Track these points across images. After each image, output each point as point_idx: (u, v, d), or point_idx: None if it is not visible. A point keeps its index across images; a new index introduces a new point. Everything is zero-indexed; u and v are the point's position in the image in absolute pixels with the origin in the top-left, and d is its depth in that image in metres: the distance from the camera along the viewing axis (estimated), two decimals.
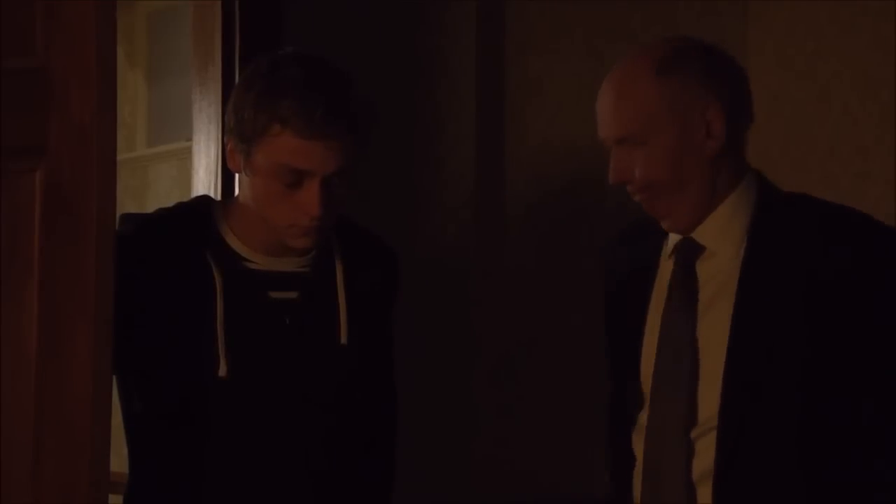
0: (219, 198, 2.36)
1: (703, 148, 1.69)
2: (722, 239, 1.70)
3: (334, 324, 1.72)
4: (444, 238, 2.52)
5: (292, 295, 1.72)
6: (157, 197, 4.34)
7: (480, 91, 2.52)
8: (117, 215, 1.50)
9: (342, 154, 1.63)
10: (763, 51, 2.63)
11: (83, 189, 1.44)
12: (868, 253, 1.63)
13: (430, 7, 2.53)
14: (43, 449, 1.42)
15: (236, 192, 2.35)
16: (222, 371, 1.65)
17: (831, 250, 1.63)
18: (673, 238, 1.75)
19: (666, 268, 1.75)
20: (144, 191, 4.41)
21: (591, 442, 2.55)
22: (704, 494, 1.64)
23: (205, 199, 1.81)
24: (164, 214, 1.77)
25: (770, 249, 1.67)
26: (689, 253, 1.72)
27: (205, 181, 2.44)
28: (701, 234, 1.72)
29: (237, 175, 1.73)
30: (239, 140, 1.66)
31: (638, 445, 1.72)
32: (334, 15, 2.45)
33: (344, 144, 1.63)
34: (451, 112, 2.52)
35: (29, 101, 1.48)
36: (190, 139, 2.54)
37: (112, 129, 1.45)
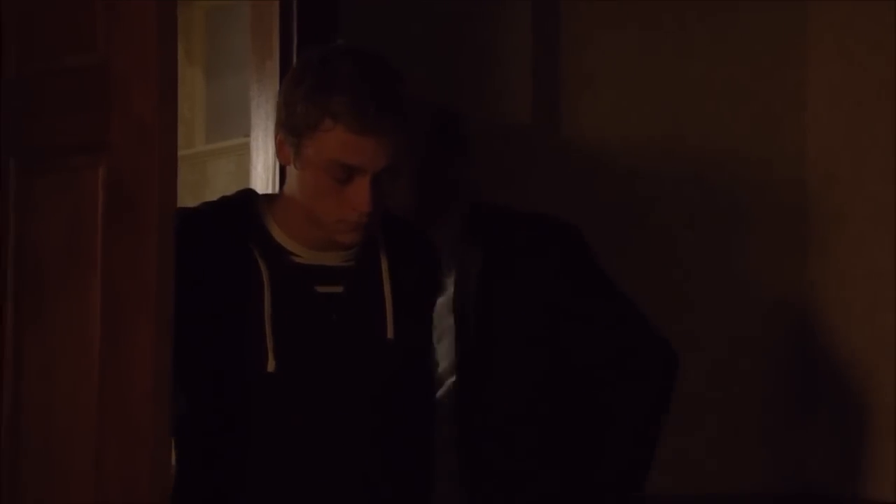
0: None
1: None
2: None
3: (380, 318, 1.72)
4: None
5: (338, 289, 1.71)
6: (216, 193, 4.35)
7: (535, 85, 2.51)
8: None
9: (392, 150, 1.62)
10: (823, 43, 2.59)
11: (145, 185, 1.45)
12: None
13: (485, 0, 2.53)
14: (105, 443, 1.44)
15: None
16: (271, 366, 1.65)
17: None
18: None
19: None
20: (203, 186, 4.45)
21: None
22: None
23: (249, 193, 1.80)
24: (208, 208, 1.76)
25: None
26: None
27: (263, 177, 2.46)
28: None
29: (287, 168, 1.73)
30: (289, 133, 1.65)
31: None
32: (389, 10, 2.46)
33: (394, 140, 1.62)
34: (507, 105, 2.51)
35: (90, 99, 1.49)
36: (248, 135, 2.55)
37: (173, 125, 1.46)
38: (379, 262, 1.73)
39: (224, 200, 1.77)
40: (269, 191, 2.36)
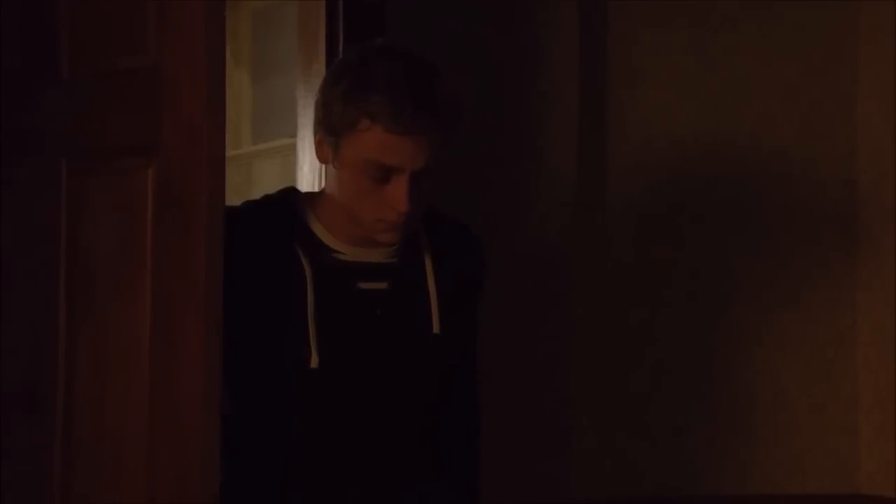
0: None
1: None
2: None
3: (425, 313, 1.72)
4: (545, 234, 2.51)
5: (382, 285, 1.71)
6: (262, 193, 4.40)
7: (582, 83, 2.50)
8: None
9: (430, 149, 1.62)
10: (874, 40, 2.56)
11: (193, 186, 1.46)
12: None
13: (532, 0, 2.52)
14: (156, 441, 1.45)
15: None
16: (314, 362, 1.65)
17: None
18: None
19: None
20: (249, 187, 4.48)
21: (692, 438, 2.52)
22: None
23: (291, 191, 1.81)
24: (251, 206, 1.77)
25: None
26: None
27: (308, 177, 2.47)
28: None
29: (326, 168, 1.73)
30: (327, 133, 1.65)
31: None
32: (436, 10, 2.46)
33: (432, 140, 1.61)
34: (553, 106, 2.50)
35: (141, 101, 1.51)
36: (294, 136, 2.57)
37: (221, 126, 1.48)
38: (422, 257, 1.73)
39: (266, 199, 1.78)
40: (317, 190, 2.37)
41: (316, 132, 1.68)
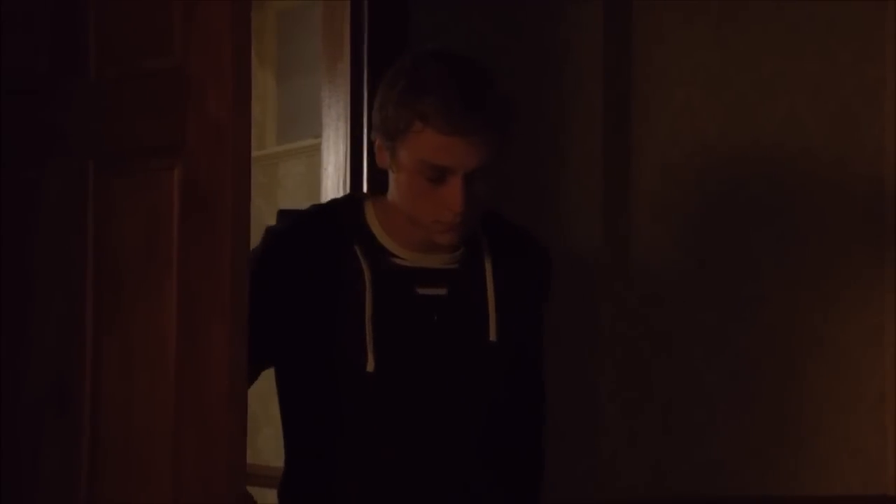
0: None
1: None
2: None
3: (483, 321, 1.73)
4: (569, 234, 2.50)
5: (441, 291, 1.72)
6: (287, 194, 4.41)
7: (607, 83, 2.49)
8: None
9: (483, 149, 1.63)
10: None
11: (219, 186, 1.47)
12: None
13: None
14: (183, 441, 1.45)
15: (364, 189, 2.39)
16: (370, 366, 1.67)
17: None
18: None
19: None
20: (274, 188, 4.48)
21: (718, 439, 2.51)
22: None
23: (357, 196, 1.83)
24: (317, 210, 1.81)
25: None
26: None
27: (333, 178, 2.47)
28: None
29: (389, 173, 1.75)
30: (384, 137, 1.68)
31: None
32: (460, 11, 2.46)
33: (484, 140, 1.63)
34: (577, 105, 2.49)
35: (167, 102, 1.51)
36: (318, 136, 2.57)
37: (247, 127, 1.48)
38: (483, 264, 1.74)
39: (333, 203, 1.83)
40: (340, 191, 2.38)
41: (375, 138, 1.71)
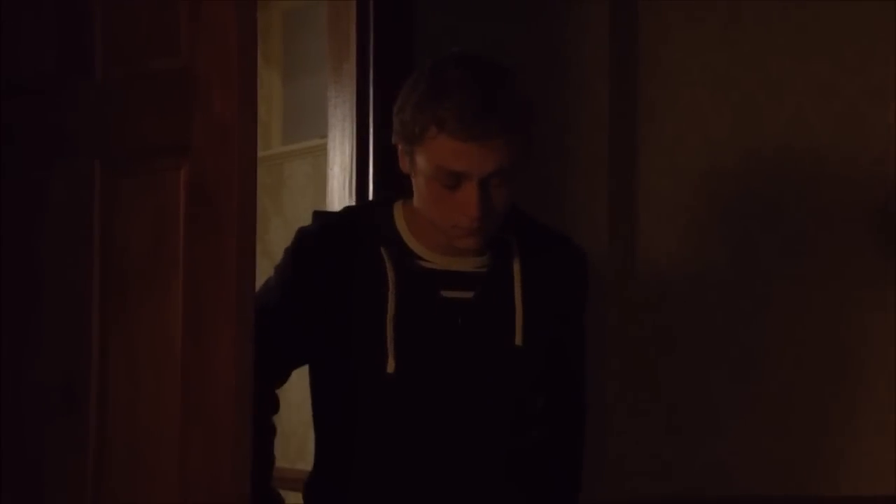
0: (352, 195, 2.38)
1: None
2: None
3: (509, 325, 1.71)
4: (576, 234, 2.50)
5: (467, 295, 1.71)
6: (292, 194, 4.41)
7: (613, 83, 2.49)
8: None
9: (499, 154, 1.62)
10: None
11: (225, 186, 1.47)
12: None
13: None
14: (189, 441, 1.45)
15: (370, 190, 2.39)
16: (390, 367, 1.66)
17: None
18: None
19: None
20: (280, 188, 4.48)
21: (725, 439, 2.50)
22: None
23: (388, 198, 1.83)
24: (350, 212, 1.82)
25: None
26: None
27: (339, 178, 2.47)
28: None
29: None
30: (404, 142, 1.68)
31: None
32: (465, 10, 2.46)
33: (500, 145, 1.61)
34: (584, 105, 2.49)
35: (173, 102, 1.52)
36: (324, 136, 2.57)
37: (253, 127, 1.48)
38: (512, 269, 1.73)
39: (365, 205, 1.86)
40: (346, 192, 2.38)
41: (396, 143, 1.71)
